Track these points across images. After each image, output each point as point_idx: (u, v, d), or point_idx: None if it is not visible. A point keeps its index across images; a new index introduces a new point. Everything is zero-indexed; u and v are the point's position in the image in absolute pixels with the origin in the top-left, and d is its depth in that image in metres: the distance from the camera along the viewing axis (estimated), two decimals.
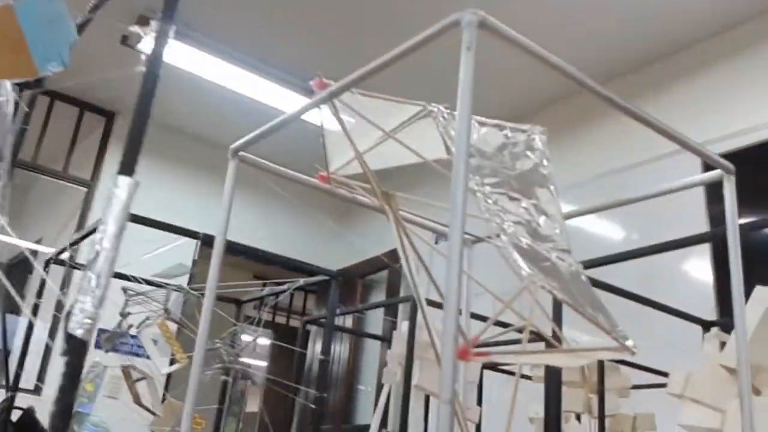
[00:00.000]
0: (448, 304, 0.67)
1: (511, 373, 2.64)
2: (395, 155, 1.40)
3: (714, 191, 3.42)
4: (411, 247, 0.99)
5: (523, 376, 2.59)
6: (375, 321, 5.14)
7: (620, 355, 0.93)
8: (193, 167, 5.38)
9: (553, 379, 1.76)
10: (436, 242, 1.66)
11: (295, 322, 7.26)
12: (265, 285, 2.46)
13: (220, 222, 1.29)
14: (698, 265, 3.41)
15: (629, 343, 0.94)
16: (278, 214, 5.67)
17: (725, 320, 1.60)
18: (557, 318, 1.52)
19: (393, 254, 4.33)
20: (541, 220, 1.08)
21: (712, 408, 1.41)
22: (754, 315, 1.35)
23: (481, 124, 1.18)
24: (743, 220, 3.64)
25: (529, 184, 1.13)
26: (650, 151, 3.85)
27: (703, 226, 3.37)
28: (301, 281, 2.19)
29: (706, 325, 1.94)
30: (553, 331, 1.32)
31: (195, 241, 2.52)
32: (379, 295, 5.54)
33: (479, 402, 2.44)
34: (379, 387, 4.98)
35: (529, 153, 1.19)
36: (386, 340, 4.37)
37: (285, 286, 2.26)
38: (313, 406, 3.37)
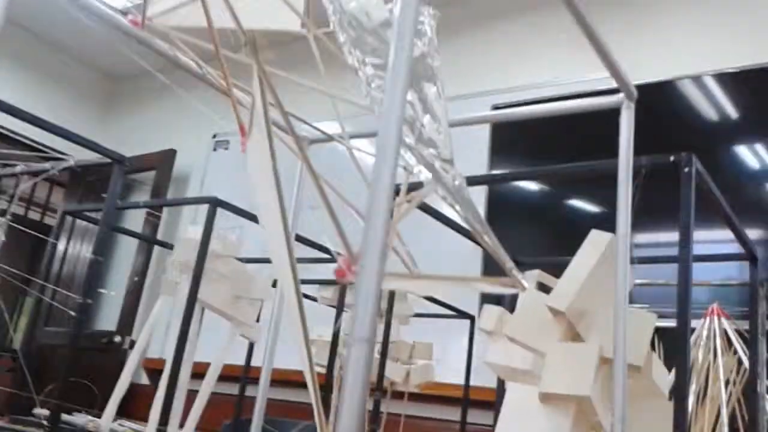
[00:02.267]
0: (371, 231, 0.46)
1: (311, 299, 2.51)
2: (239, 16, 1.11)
3: (497, 130, 3.54)
4: (298, 144, 0.74)
5: (307, 297, 2.45)
6: (128, 218, 4.63)
7: (512, 289, 0.80)
8: None
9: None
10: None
11: (32, 213, 6.39)
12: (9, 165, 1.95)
13: None
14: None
15: (519, 275, 0.80)
16: (29, 89, 4.88)
17: (544, 261, 1.57)
18: None
19: (167, 154, 3.86)
20: (426, 119, 0.90)
21: (529, 348, 1.36)
22: (586, 259, 1.31)
23: None
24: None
25: (414, 76, 0.93)
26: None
27: (477, 161, 3.43)
28: (72, 162, 1.74)
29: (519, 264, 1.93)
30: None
31: None
32: (139, 195, 5.05)
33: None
34: (130, 288, 4.55)
35: (416, 39, 0.98)
36: (156, 242, 3.99)
37: (48, 164, 1.80)
38: (58, 305, 2.93)
